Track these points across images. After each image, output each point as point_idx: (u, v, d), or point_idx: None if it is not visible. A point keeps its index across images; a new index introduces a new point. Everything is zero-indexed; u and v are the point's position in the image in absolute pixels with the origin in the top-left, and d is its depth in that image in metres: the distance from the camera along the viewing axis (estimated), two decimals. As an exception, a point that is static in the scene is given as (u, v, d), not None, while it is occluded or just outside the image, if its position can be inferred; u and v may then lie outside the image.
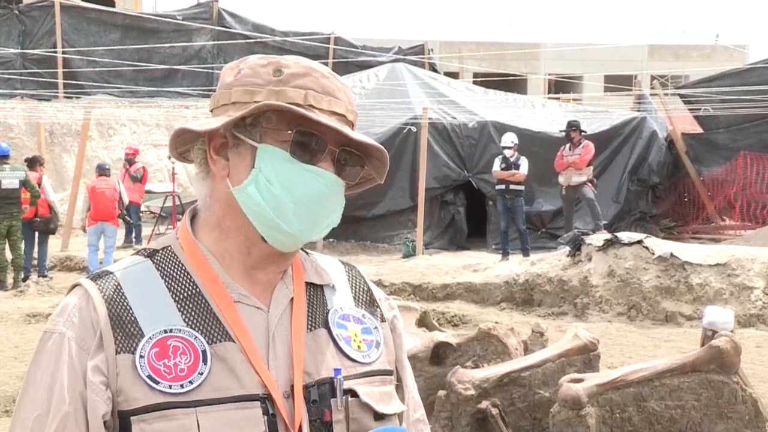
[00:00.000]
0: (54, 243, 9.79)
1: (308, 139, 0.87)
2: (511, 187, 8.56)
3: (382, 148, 0.92)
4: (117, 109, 13.94)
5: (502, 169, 8.64)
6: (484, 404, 2.97)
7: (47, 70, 14.12)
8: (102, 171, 8.32)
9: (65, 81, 14.03)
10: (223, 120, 0.87)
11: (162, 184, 12.11)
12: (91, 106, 12.88)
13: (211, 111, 0.92)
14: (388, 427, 0.91)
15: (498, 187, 8.72)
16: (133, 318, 0.86)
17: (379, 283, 7.10)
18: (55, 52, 14.05)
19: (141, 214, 10.48)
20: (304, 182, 0.87)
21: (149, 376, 0.84)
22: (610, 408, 2.87)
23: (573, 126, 8.92)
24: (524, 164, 8.65)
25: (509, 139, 8.77)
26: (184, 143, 0.94)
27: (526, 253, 8.50)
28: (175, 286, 0.89)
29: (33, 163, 8.58)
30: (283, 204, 0.87)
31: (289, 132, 0.87)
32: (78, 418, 0.84)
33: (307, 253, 1.01)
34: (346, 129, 0.89)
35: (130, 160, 10.15)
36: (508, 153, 8.65)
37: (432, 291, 7.36)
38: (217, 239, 0.92)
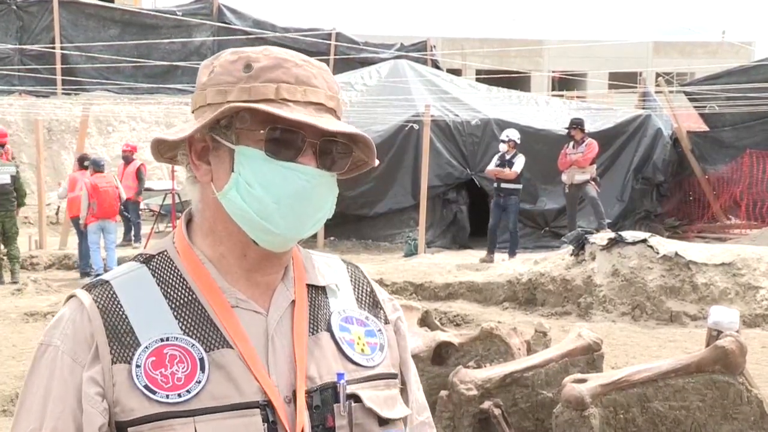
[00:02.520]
0: (53, 241, 9.78)
1: (283, 136, 0.85)
2: (503, 185, 8.46)
3: (364, 134, 0.88)
4: (116, 106, 13.92)
5: (496, 166, 8.56)
6: (487, 405, 2.95)
7: (45, 66, 14.12)
8: (97, 167, 8.24)
9: (63, 77, 14.04)
10: (195, 126, 0.86)
11: (161, 182, 12.08)
12: (89, 102, 12.86)
13: (193, 113, 0.91)
14: None
15: (493, 184, 8.65)
16: (129, 327, 0.85)
17: (380, 282, 7.08)
18: (54, 48, 14.04)
19: (140, 212, 10.43)
20: (284, 181, 0.85)
21: (146, 386, 0.83)
22: (614, 409, 2.85)
23: (575, 124, 8.85)
24: (519, 162, 8.51)
25: (505, 134, 8.69)
26: (168, 149, 0.92)
27: (512, 254, 8.41)
28: (172, 293, 0.88)
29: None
30: (266, 205, 0.85)
31: (263, 131, 0.84)
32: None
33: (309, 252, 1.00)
34: (324, 119, 0.85)
35: (127, 157, 10.09)
36: (502, 148, 8.56)
37: (434, 290, 7.33)
38: (212, 244, 0.90)
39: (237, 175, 0.85)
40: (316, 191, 0.86)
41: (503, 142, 8.61)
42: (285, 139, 0.85)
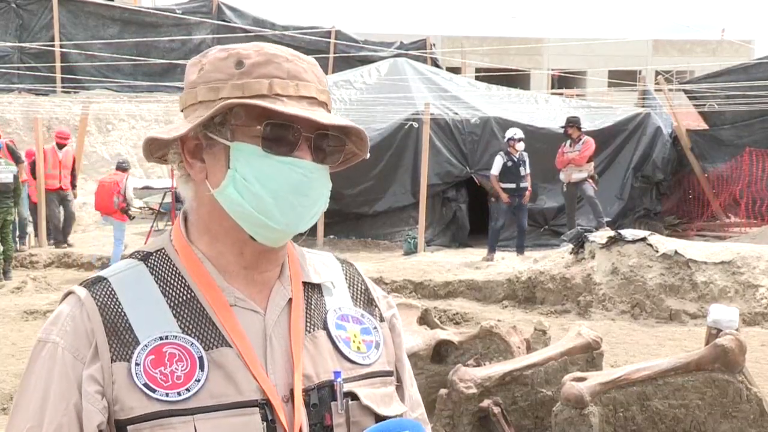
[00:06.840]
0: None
1: (280, 131, 0.85)
2: (522, 184, 8.49)
3: (357, 126, 0.89)
4: (115, 104, 13.89)
5: (509, 167, 8.47)
6: (486, 403, 2.95)
7: (45, 64, 14.10)
8: (117, 166, 8.57)
9: (63, 75, 14.00)
10: (189, 124, 0.86)
11: (161, 180, 12.06)
12: (89, 101, 12.84)
13: (182, 111, 0.90)
14: (395, 419, 0.89)
15: (506, 185, 8.49)
16: (128, 325, 0.85)
17: (380, 281, 7.08)
18: (53, 46, 14.02)
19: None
20: (281, 175, 0.85)
21: (145, 384, 0.82)
22: (614, 407, 2.85)
23: (571, 122, 8.84)
24: (527, 162, 8.59)
25: (514, 133, 8.58)
26: (159, 148, 0.92)
27: (521, 250, 8.47)
28: (170, 291, 0.88)
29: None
30: (264, 201, 0.85)
31: (259, 127, 0.84)
32: (71, 429, 0.83)
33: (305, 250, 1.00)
34: (317, 113, 0.85)
35: (60, 145, 9.84)
36: (520, 147, 8.48)
37: (433, 288, 7.32)
38: (209, 242, 0.90)
39: (233, 171, 0.85)
40: (312, 185, 0.86)
41: (520, 140, 8.46)
42: (281, 134, 0.85)
